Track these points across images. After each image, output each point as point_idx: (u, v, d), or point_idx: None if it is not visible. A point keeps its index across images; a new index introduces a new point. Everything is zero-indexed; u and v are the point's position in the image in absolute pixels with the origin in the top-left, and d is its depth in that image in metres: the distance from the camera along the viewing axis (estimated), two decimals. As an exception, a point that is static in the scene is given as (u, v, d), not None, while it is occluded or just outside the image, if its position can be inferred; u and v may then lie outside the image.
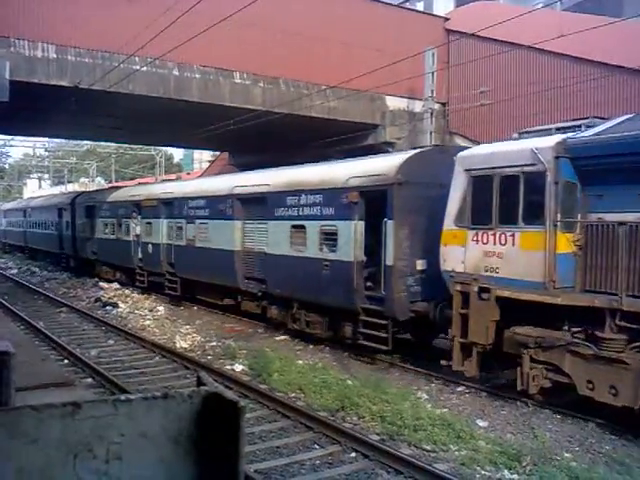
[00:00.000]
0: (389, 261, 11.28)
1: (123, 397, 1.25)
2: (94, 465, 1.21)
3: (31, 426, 1.14)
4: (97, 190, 32.33)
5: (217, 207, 16.62)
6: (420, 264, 11.40)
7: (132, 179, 54.29)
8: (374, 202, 11.69)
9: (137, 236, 21.56)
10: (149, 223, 20.78)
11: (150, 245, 20.53)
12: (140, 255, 21.39)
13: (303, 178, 13.85)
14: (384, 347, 11.46)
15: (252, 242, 15.43)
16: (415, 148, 15.37)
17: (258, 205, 14.92)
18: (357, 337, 12.20)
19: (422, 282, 11.43)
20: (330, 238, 12.57)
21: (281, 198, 14.04)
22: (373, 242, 11.80)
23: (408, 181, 11.20)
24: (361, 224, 11.92)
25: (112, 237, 23.89)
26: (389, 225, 11.27)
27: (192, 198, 18.16)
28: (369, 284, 12.05)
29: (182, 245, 18.54)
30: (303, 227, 13.34)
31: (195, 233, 17.76)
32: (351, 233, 11.98)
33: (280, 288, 14.22)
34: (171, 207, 19.38)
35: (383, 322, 11.47)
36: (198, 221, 17.63)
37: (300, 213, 13.42)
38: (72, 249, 28.78)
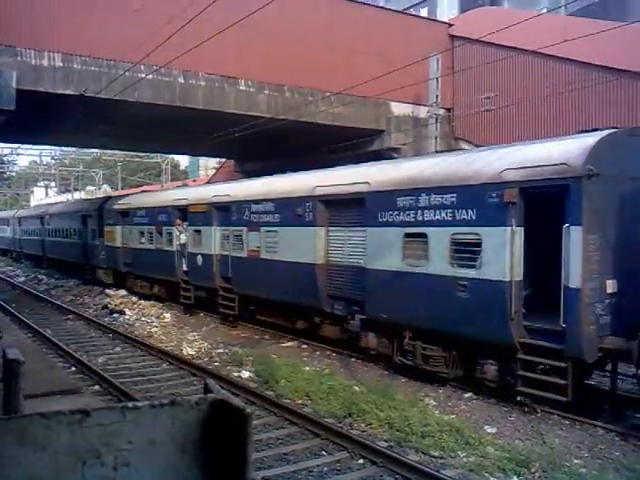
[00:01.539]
0: (574, 282, 8.50)
1: (131, 404, 1.25)
2: (102, 472, 1.21)
3: (40, 433, 1.15)
4: (129, 194, 29.57)
5: (291, 211, 13.96)
6: (611, 285, 8.77)
7: (138, 187, 54.44)
8: (539, 202, 9.05)
9: (182, 246, 19.05)
10: (198, 231, 18.16)
11: (199, 256, 17.97)
12: (185, 267, 19.00)
13: (423, 173, 10.96)
14: (561, 398, 8.65)
15: (341, 254, 12.87)
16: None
17: (351, 208, 12.48)
18: (506, 380, 9.63)
19: (612, 310, 8.75)
20: (468, 250, 9.77)
21: (388, 199, 11.24)
22: (531, 255, 9.30)
23: (601, 173, 8.44)
24: (520, 231, 9.08)
25: (150, 247, 21.19)
26: (574, 233, 8.50)
27: (256, 201, 15.45)
28: (523, 311, 9.30)
29: (242, 257, 15.95)
30: (423, 235, 10.51)
31: (260, 243, 15.20)
32: (504, 243, 9.13)
33: (386, 312, 11.33)
34: (227, 212, 16.64)
35: (560, 364, 8.66)
36: (265, 228, 15.02)
37: (418, 218, 10.59)
38: (99, 260, 25.90)
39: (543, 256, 9.15)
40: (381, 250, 11.47)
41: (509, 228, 9.09)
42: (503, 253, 9.16)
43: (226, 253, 16.76)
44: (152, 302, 21.06)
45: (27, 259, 41.90)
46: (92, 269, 27.03)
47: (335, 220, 13.11)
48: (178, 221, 19.21)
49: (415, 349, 10.83)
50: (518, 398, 9.37)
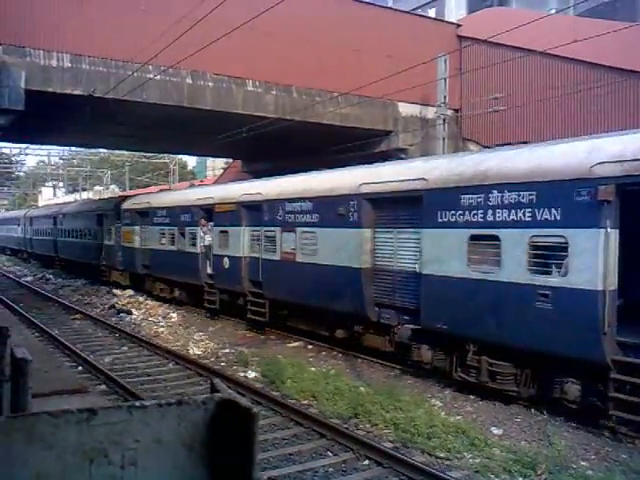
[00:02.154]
0: None
1: (138, 403, 1.26)
2: (109, 471, 1.22)
3: (48, 432, 1.16)
4: (149, 193, 28.48)
5: (333, 211, 12.80)
6: None
7: (146, 187, 54.62)
8: (636, 200, 8.02)
9: (207, 247, 18.07)
10: (225, 232, 17.02)
11: (226, 259, 16.87)
12: (210, 270, 18.01)
13: (496, 168, 9.65)
14: None
15: (390, 258, 11.75)
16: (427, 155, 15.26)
17: (403, 208, 11.41)
18: (590, 401, 8.66)
19: None
20: (551, 255, 8.70)
21: (450, 197, 10.13)
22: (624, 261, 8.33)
23: None
24: (615, 234, 8.06)
25: (171, 248, 20.17)
26: None
27: (292, 200, 14.27)
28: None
29: (275, 260, 14.80)
30: (494, 238, 9.34)
31: (296, 244, 14.04)
32: (596, 247, 8.07)
33: (446, 323, 10.18)
34: (258, 212, 15.50)
35: None
36: (301, 229, 13.87)
37: (488, 218, 9.43)
38: (115, 261, 24.95)
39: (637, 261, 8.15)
40: (440, 254, 10.29)
41: (602, 230, 8.01)
42: (595, 258, 8.05)
43: (256, 255, 15.69)
44: (159, 302, 21.11)
45: (38, 260, 40.94)
46: (108, 271, 26.14)
47: (383, 221, 11.97)
48: (203, 221, 18.23)
49: (480, 365, 9.72)
50: (605, 422, 8.41)
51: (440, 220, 10.31)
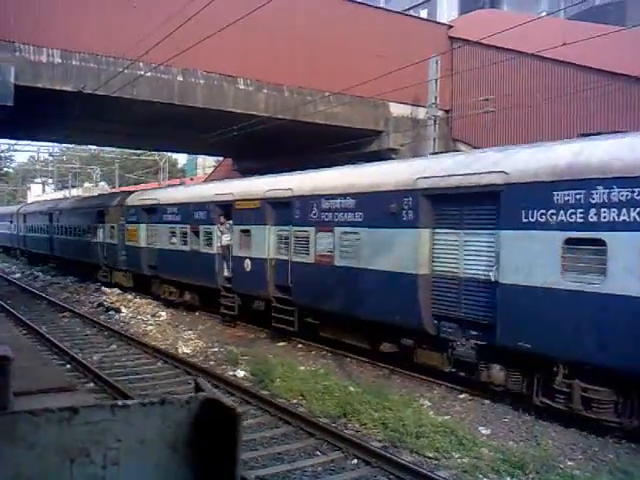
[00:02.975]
0: None
1: (120, 402, 1.25)
2: (91, 470, 1.21)
3: (28, 431, 1.14)
4: (157, 188, 26.66)
5: (381, 209, 11.26)
6: None
7: (136, 184, 54.39)
8: None
9: (224, 248, 16.56)
10: (246, 231, 15.51)
11: (248, 261, 15.29)
12: (228, 273, 16.53)
13: (602, 158, 8.21)
14: None
15: (454, 263, 10.21)
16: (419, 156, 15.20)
17: (473, 205, 9.93)
18: None
19: None
20: None
21: (538, 193, 8.75)
22: None
23: None
24: None
25: (183, 248, 18.63)
26: None
27: (329, 196, 12.69)
28: None
29: (307, 262, 13.27)
30: (598, 242, 8.00)
31: (334, 246, 12.51)
32: None
33: (530, 341, 8.73)
34: (287, 209, 13.99)
35: None
36: (341, 229, 12.33)
37: (590, 218, 8.06)
38: (118, 261, 23.42)
39: None
40: (525, 260, 8.85)
41: None
42: None
43: (284, 257, 14.17)
44: (148, 300, 21.02)
45: (32, 258, 38.92)
46: (109, 271, 24.65)
47: (445, 220, 10.43)
48: (221, 219, 16.73)
49: (572, 389, 8.38)
50: None
51: (525, 220, 8.85)
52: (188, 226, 18.40)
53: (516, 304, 9.05)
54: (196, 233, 17.98)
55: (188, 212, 18.43)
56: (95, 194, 40.04)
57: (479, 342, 9.71)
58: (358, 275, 11.90)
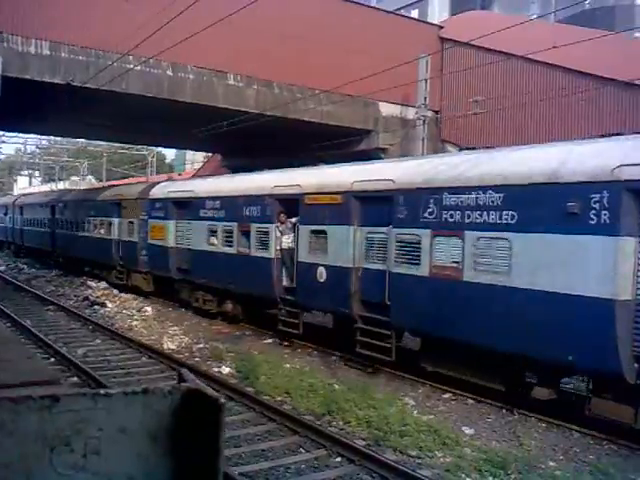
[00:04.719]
0: None
1: (102, 391, 1.24)
2: (71, 459, 1.20)
3: (8, 418, 1.13)
4: (190, 179, 23.11)
5: (550, 208, 8.46)
6: None
7: (123, 178, 54.07)
8: None
9: (285, 251, 13.89)
10: (320, 232, 12.68)
11: (321, 269, 12.50)
12: (288, 282, 13.82)
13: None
14: None
15: None
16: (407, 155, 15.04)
17: None
18: None
19: None
20: None
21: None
22: None
23: None
24: None
25: (227, 250, 15.78)
26: None
27: (457, 190, 9.73)
28: None
29: (416, 275, 10.38)
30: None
31: (463, 256, 9.57)
32: None
33: None
34: (384, 206, 11.10)
35: None
36: (475, 234, 9.38)
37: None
38: (137, 262, 20.61)
39: None
40: None
41: None
42: None
43: (377, 267, 11.31)
44: (133, 295, 20.90)
45: (30, 254, 35.56)
46: (126, 273, 21.73)
47: None
48: (281, 217, 13.98)
49: None
50: None
51: None
52: (235, 224, 15.46)
53: None
54: (246, 233, 15.09)
55: (235, 207, 15.48)
56: (111, 184, 36.86)
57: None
58: (505, 295, 8.99)
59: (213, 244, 16.40)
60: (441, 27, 24.60)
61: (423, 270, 10.26)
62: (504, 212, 9.05)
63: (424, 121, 19.93)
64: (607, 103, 18.13)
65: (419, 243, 10.33)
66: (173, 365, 11.88)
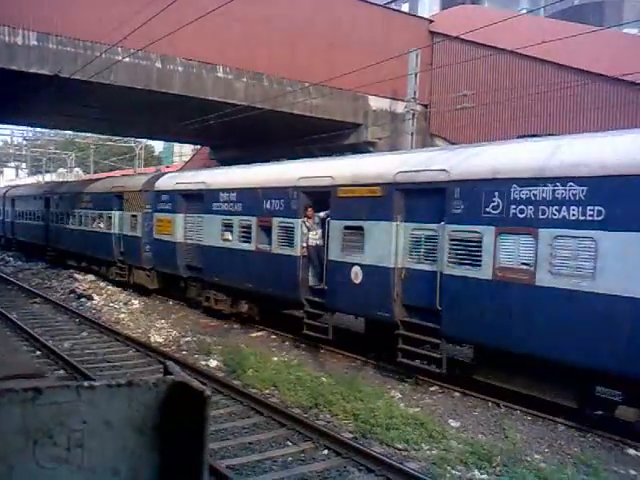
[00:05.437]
0: None
1: (86, 384, 1.23)
2: (54, 452, 1.19)
3: None
4: (202, 169, 21.68)
5: None
6: None
7: (111, 170, 53.74)
8: None
9: (312, 248, 12.73)
10: (355, 228, 11.57)
11: (357, 269, 11.36)
12: (314, 282, 12.81)
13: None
14: None
15: None
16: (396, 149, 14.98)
17: None
18: None
19: None
20: None
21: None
22: None
23: None
24: None
25: (244, 246, 14.58)
26: None
27: (529, 181, 8.61)
28: None
29: (476, 278, 9.22)
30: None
31: (536, 257, 8.47)
32: None
33: None
34: (436, 199, 10.00)
35: None
36: (551, 232, 8.30)
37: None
38: (140, 258, 19.44)
39: None
40: None
41: None
42: None
43: (425, 268, 10.20)
44: (120, 288, 20.80)
45: (21, 249, 34.02)
46: (127, 269, 20.58)
47: None
48: (309, 211, 12.86)
49: None
50: None
51: None
52: (253, 219, 14.29)
53: None
54: (266, 228, 13.96)
55: (254, 200, 14.30)
56: (110, 175, 35.33)
57: None
58: (588, 302, 7.93)
59: (227, 240, 15.25)
60: (431, 21, 24.60)
61: (484, 272, 9.08)
62: (589, 207, 7.89)
63: (413, 115, 19.93)
64: (595, 98, 18.20)
65: (479, 241, 9.16)
66: (160, 358, 11.85)
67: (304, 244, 12.79)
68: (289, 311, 14.65)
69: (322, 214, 12.58)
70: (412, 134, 19.79)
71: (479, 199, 9.17)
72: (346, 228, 11.72)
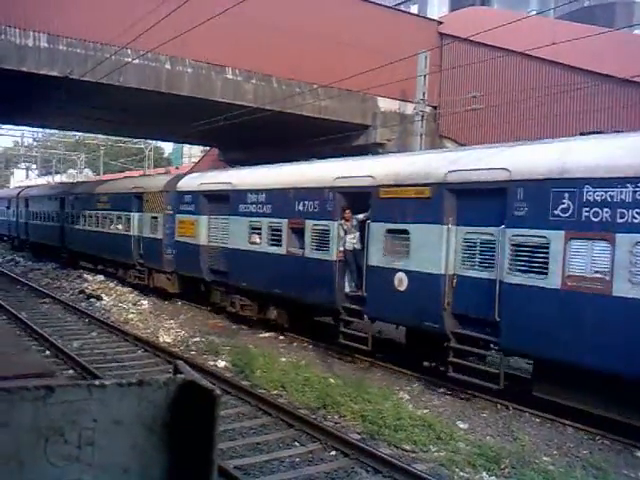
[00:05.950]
0: None
1: (97, 382, 1.24)
2: (65, 450, 1.20)
3: (2, 409, 1.13)
4: (229, 169, 20.54)
5: None
6: None
7: (121, 172, 53.96)
8: None
9: (350, 253, 12.08)
10: (400, 232, 10.87)
11: (401, 275, 10.67)
12: (350, 289, 12.24)
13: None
14: None
15: None
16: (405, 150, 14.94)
17: None
18: None
19: None
20: None
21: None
22: None
23: None
24: None
25: (274, 250, 13.95)
26: None
27: (607, 181, 7.88)
28: None
29: (542, 287, 8.55)
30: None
31: (613, 266, 7.79)
32: None
33: None
34: (493, 201, 9.33)
35: None
36: (631, 237, 7.61)
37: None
38: (161, 261, 18.81)
39: None
40: None
41: None
42: None
43: (480, 276, 9.44)
44: (129, 289, 20.87)
45: (35, 250, 33.48)
46: (148, 272, 19.91)
47: None
48: (346, 213, 12.11)
49: None
50: None
51: None
52: (284, 221, 13.61)
53: None
54: (298, 231, 13.31)
55: (285, 201, 13.63)
56: (129, 175, 34.61)
57: None
58: None
59: (255, 243, 14.58)
60: (440, 23, 24.56)
61: (552, 281, 8.34)
62: None
63: (422, 116, 19.91)
64: (605, 100, 18.09)
65: (546, 247, 8.46)
66: (169, 358, 11.89)
67: (341, 248, 12.14)
68: (319, 318, 14.20)
69: (360, 216, 11.92)
70: (421, 135, 19.77)
71: (546, 200, 8.42)
72: (388, 231, 11.03)
